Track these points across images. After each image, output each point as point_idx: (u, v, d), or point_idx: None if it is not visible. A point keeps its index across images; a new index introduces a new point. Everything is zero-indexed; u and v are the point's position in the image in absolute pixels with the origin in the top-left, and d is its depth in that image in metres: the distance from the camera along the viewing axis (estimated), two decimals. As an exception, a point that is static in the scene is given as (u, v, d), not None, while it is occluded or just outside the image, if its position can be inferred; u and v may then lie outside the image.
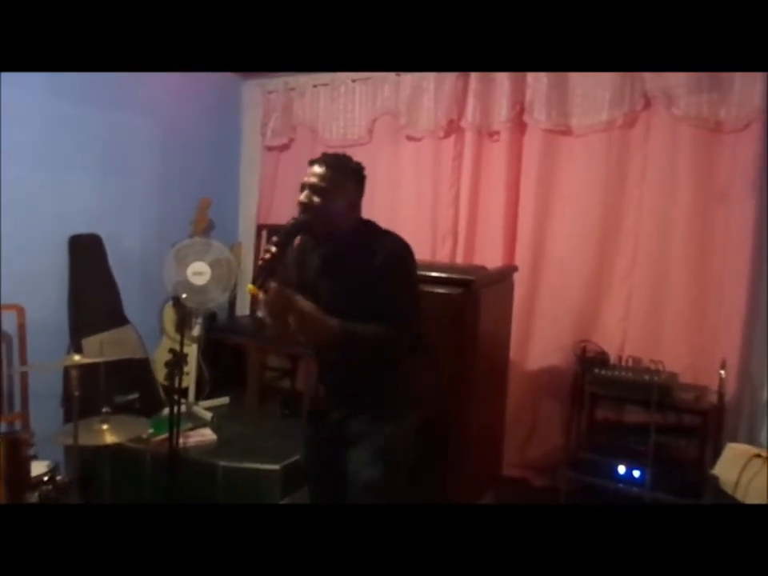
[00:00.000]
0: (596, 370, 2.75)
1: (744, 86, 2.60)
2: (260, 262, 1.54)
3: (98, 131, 3.24)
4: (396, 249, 1.67)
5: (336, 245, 1.70)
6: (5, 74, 2.72)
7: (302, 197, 1.65)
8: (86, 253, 3.21)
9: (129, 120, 3.40)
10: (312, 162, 1.69)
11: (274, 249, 1.53)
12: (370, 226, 1.74)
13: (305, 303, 1.55)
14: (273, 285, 1.51)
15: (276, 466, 2.65)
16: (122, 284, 3.34)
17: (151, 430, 2.80)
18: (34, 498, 2.06)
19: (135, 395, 3.18)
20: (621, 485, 2.63)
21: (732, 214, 2.67)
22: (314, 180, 1.64)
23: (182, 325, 2.69)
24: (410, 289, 1.70)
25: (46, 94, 2.99)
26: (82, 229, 3.19)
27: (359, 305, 1.60)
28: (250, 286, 1.52)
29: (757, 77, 2.55)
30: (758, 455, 2.05)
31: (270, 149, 4.00)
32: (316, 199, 1.63)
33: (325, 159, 1.68)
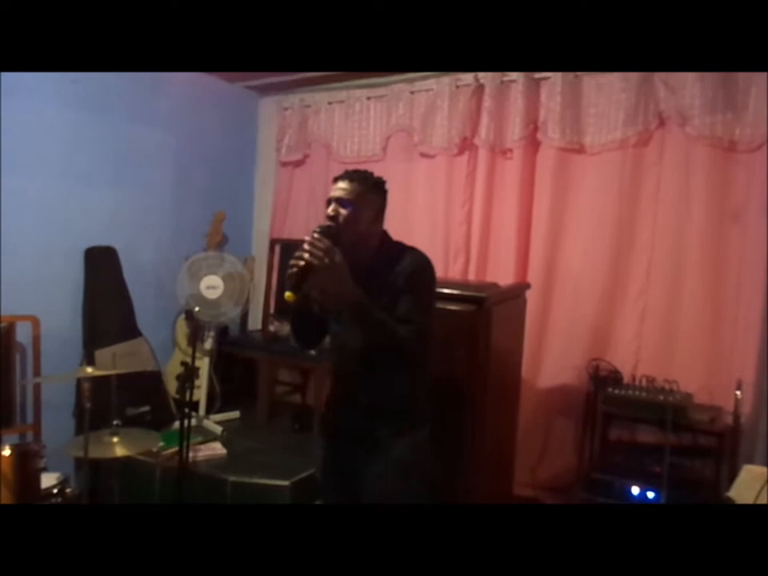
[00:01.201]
0: (609, 389, 2.72)
1: (758, 106, 2.59)
2: (294, 269, 1.55)
3: (115, 145, 3.29)
4: (418, 262, 1.74)
5: (361, 259, 1.73)
6: (25, 88, 2.79)
7: (330, 210, 1.72)
8: (101, 265, 3.25)
9: (146, 134, 3.46)
10: (337, 179, 1.77)
11: (307, 254, 1.55)
12: (392, 241, 1.83)
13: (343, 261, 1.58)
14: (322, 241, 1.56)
15: (285, 482, 2.64)
16: (136, 296, 3.38)
17: (161, 443, 2.81)
18: (44, 509, 2.06)
19: (146, 408, 3.19)
20: (634, 506, 2.59)
21: (746, 233, 2.65)
22: (340, 194, 1.72)
23: (194, 338, 2.70)
24: (426, 297, 1.75)
25: (66, 106, 3.05)
26: (98, 241, 3.23)
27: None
28: (288, 293, 1.53)
29: (772, 97, 2.55)
30: (775, 478, 2.01)
31: (284, 164, 4.04)
32: (343, 211, 1.71)
33: (349, 175, 1.76)
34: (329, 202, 1.74)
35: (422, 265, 1.75)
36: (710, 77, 2.67)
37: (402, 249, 1.79)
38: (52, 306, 3.03)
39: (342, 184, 1.74)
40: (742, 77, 2.63)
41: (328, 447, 1.93)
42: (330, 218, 1.70)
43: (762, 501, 2.02)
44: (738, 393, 2.51)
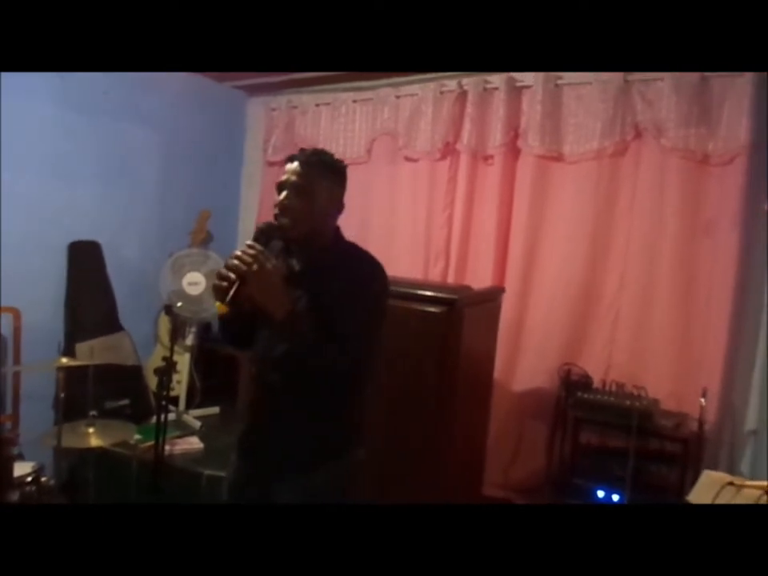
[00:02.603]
0: (579, 394, 2.78)
1: (731, 120, 2.65)
2: (223, 282, 1.36)
3: (103, 141, 3.33)
4: (372, 271, 1.56)
5: (310, 258, 1.56)
6: (13, 84, 2.82)
7: (282, 197, 1.49)
8: (84, 259, 3.28)
9: (134, 131, 3.50)
10: (291, 159, 1.53)
11: (236, 261, 1.37)
12: (345, 241, 1.63)
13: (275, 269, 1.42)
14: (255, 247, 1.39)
15: (259, 477, 2.68)
16: (119, 292, 3.41)
17: (138, 436, 2.85)
18: (15, 497, 2.10)
19: (126, 401, 3.23)
20: (600, 509, 2.65)
21: (717, 244, 2.71)
22: (294, 179, 1.49)
23: (174, 333, 2.75)
24: (374, 310, 1.54)
25: (54, 103, 3.09)
26: (82, 235, 3.27)
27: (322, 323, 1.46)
28: (219, 305, 1.36)
29: (744, 112, 2.61)
30: (731, 483, 2.06)
31: (271, 164, 4.08)
32: (298, 201, 1.48)
33: (306, 156, 1.53)
34: (281, 187, 1.50)
35: (375, 275, 1.55)
36: (686, 90, 2.73)
37: (356, 252, 1.59)
38: (34, 298, 3.07)
39: (297, 167, 1.50)
40: (716, 92, 2.70)
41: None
42: (283, 207, 1.48)
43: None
44: (703, 400, 2.57)
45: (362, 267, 1.56)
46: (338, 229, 1.63)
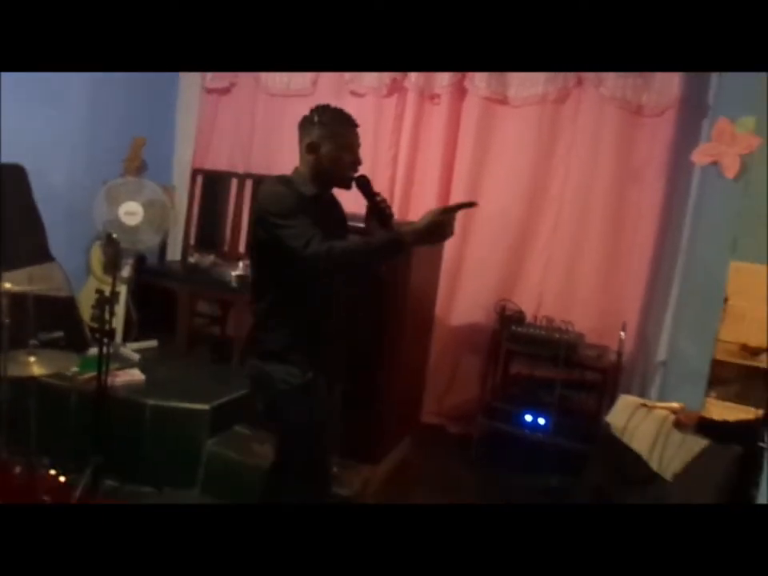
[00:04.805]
0: (513, 328, 2.97)
1: (665, 74, 2.81)
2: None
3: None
4: None
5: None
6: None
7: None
8: (8, 184, 3.07)
9: (59, 47, 3.23)
10: (350, 118, 1.78)
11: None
12: None
13: None
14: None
15: (205, 406, 2.71)
16: (47, 220, 3.23)
17: (76, 369, 2.79)
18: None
19: (60, 334, 3.12)
20: (527, 431, 2.90)
21: (644, 192, 2.93)
22: None
23: (115, 265, 2.66)
24: None
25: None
26: (5, 158, 3.04)
27: None
28: None
29: (676, 66, 2.77)
30: (644, 405, 2.32)
31: (209, 91, 3.90)
32: None
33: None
34: (356, 145, 1.81)
35: None
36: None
37: None
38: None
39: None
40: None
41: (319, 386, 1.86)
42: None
43: (632, 424, 2.34)
44: (623, 334, 2.83)
45: None
46: None
